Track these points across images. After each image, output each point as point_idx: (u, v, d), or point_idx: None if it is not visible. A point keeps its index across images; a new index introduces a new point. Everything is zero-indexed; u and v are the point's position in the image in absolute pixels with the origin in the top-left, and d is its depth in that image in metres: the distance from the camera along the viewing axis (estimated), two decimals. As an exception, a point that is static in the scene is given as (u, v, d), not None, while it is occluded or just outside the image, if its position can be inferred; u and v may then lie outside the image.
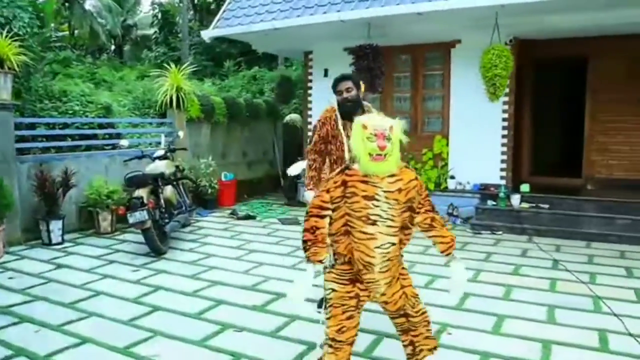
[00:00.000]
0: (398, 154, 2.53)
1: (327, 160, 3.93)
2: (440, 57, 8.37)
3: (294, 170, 5.06)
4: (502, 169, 7.99)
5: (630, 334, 3.71)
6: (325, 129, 3.87)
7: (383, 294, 2.66)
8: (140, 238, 5.94)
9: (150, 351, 3.43)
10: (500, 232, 7.08)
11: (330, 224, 2.58)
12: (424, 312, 2.83)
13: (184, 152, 7.69)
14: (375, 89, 7.70)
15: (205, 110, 8.78)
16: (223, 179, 8.87)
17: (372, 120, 2.55)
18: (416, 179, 2.66)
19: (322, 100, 8.88)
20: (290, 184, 9.67)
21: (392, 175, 2.55)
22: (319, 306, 4.11)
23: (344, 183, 2.54)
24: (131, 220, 5.38)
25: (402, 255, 2.74)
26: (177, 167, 6.88)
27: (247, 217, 7.93)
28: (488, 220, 7.47)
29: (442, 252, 2.84)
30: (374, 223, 2.50)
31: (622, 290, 4.71)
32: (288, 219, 7.83)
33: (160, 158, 6.46)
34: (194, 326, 3.85)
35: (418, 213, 2.70)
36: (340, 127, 3.81)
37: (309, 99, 9.18)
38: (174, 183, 6.55)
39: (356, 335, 2.69)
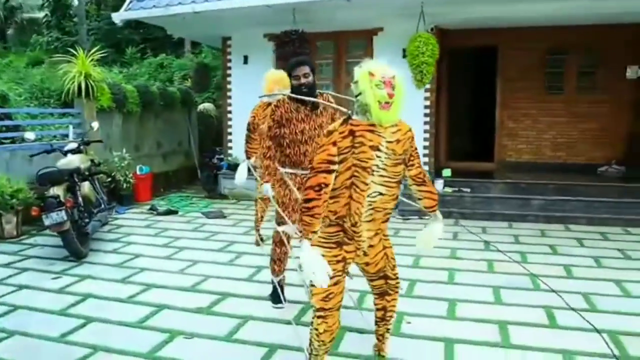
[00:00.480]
0: (401, 104, 2.47)
1: (279, 144, 3.82)
2: (362, 45, 8.36)
3: (240, 176, 4.87)
4: (424, 155, 8.17)
5: (572, 309, 3.90)
6: (280, 112, 3.75)
7: (366, 254, 2.67)
8: (54, 241, 5.37)
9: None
10: (427, 217, 7.22)
11: (335, 177, 2.47)
12: (398, 277, 2.87)
13: (97, 144, 7.04)
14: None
15: (117, 99, 8.11)
16: (138, 172, 8.27)
17: (378, 67, 2.45)
18: (410, 130, 2.63)
19: (242, 88, 8.58)
20: (208, 175, 9.27)
21: (394, 125, 2.51)
22: (274, 302, 4.02)
23: (352, 133, 2.44)
24: (47, 222, 4.80)
25: (388, 218, 2.70)
26: (91, 161, 6.27)
27: (169, 213, 7.46)
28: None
29: (428, 207, 2.86)
30: (371, 173, 2.47)
31: (552, 267, 4.97)
32: (213, 212, 7.47)
33: (73, 152, 5.84)
34: (138, 337, 3.49)
35: (411, 166, 2.69)
36: (294, 111, 3.72)
37: (228, 86, 8.80)
38: (90, 179, 5.96)
39: (342, 299, 2.67)
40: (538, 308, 3.94)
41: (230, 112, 8.82)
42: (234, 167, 8.68)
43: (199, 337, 3.47)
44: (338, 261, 2.59)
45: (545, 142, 9.12)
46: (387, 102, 2.40)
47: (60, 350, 3.29)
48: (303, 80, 3.68)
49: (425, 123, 8.15)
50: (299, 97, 3.67)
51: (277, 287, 4.01)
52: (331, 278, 2.49)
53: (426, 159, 8.17)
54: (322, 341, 2.66)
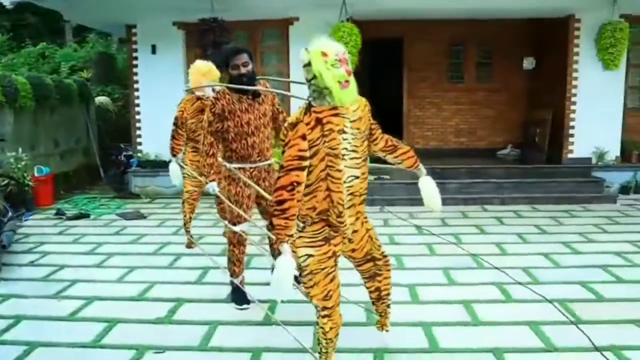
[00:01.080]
0: (354, 79, 2.37)
1: (223, 139, 3.65)
2: (278, 34, 8.23)
3: (176, 176, 4.77)
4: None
5: (520, 283, 4.19)
6: (221, 104, 3.54)
7: (351, 241, 2.61)
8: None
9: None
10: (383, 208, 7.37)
11: (309, 172, 2.34)
12: (385, 255, 2.83)
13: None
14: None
15: (8, 92, 7.18)
16: (37, 174, 7.44)
17: (329, 45, 2.32)
18: (367, 103, 2.55)
19: (150, 80, 8.07)
20: (115, 173, 8.63)
21: (353, 104, 2.40)
22: (239, 303, 3.81)
23: (319, 121, 2.30)
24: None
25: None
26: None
27: (79, 217, 6.81)
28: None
29: (410, 167, 2.82)
30: (342, 157, 2.36)
31: (486, 245, 5.30)
32: (129, 213, 6.95)
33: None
34: (101, 359, 3.14)
35: (375, 139, 2.64)
36: (237, 102, 3.54)
37: (135, 78, 8.19)
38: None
39: (340, 294, 2.61)
40: (490, 285, 4.18)
41: (138, 105, 8.24)
42: (144, 164, 8.19)
43: (171, 350, 3.21)
44: (329, 257, 2.51)
45: (450, 129, 9.70)
46: (346, 81, 2.30)
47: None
48: (243, 70, 3.49)
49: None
50: (241, 87, 3.49)
51: (240, 287, 3.85)
52: (326, 276, 2.48)
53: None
54: (330, 339, 2.60)
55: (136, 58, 8.12)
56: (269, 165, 3.80)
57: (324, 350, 2.63)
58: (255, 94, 3.60)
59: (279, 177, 2.32)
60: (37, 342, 3.30)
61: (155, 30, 7.99)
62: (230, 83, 3.59)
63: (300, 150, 2.29)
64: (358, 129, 2.42)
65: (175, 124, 4.94)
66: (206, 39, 6.96)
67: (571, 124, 8.02)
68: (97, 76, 9.65)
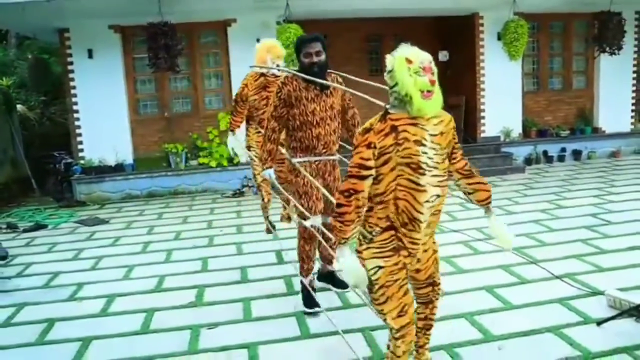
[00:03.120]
0: (439, 92, 2.26)
1: (289, 127, 3.54)
2: (216, 35, 8.50)
3: (239, 148, 4.83)
4: (284, 138, 8.77)
5: (534, 262, 5.04)
6: (287, 90, 3.41)
7: (418, 260, 2.43)
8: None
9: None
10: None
11: (378, 181, 2.24)
12: (439, 282, 2.63)
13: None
14: (174, 68, 7.41)
15: None
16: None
17: (414, 52, 2.23)
18: (452, 120, 2.42)
19: (88, 85, 8.00)
20: (55, 182, 8.42)
21: (436, 117, 2.29)
22: (308, 305, 3.62)
23: (394, 129, 2.20)
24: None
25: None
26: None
27: (37, 228, 6.67)
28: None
29: (481, 201, 2.59)
30: (424, 172, 2.23)
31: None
32: (88, 219, 6.93)
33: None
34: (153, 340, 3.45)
35: (454, 159, 2.47)
36: (304, 89, 3.41)
37: (72, 83, 8.03)
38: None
39: (414, 308, 2.43)
40: (497, 269, 4.34)
41: (77, 111, 8.10)
42: (88, 170, 8.13)
43: (223, 325, 3.59)
44: (400, 269, 2.34)
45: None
46: (429, 90, 2.19)
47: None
48: (315, 59, 3.35)
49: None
50: (309, 78, 3.33)
51: (309, 288, 3.62)
52: (400, 289, 2.34)
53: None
54: None
55: (72, 63, 7.98)
56: (334, 160, 3.65)
57: None
58: (323, 85, 3.41)
59: (343, 181, 2.30)
60: (91, 337, 3.49)
61: (91, 34, 7.91)
62: (301, 71, 3.43)
63: (362, 159, 2.21)
64: (439, 144, 2.28)
65: (235, 100, 4.82)
66: (157, 42, 7.09)
67: (482, 107, 9.23)
68: (33, 82, 9.20)
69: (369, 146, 2.20)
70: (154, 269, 4.82)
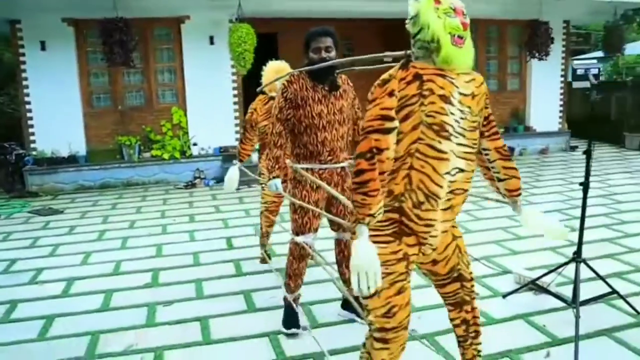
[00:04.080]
0: (472, 47, 1.96)
1: (293, 130, 3.25)
2: (170, 32, 8.73)
3: (231, 183, 4.19)
4: (236, 132, 9.12)
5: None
6: (293, 88, 3.13)
7: (433, 248, 2.03)
8: None
9: None
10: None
11: (397, 141, 1.88)
12: (473, 278, 2.22)
13: None
14: (129, 63, 7.61)
15: None
16: None
17: None
18: (484, 82, 2.05)
19: (40, 77, 8.09)
20: (7, 172, 8.44)
21: (467, 74, 1.95)
22: (287, 326, 3.34)
23: (418, 77, 1.86)
24: None
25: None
26: None
27: (-12, 217, 6.79)
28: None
29: (512, 191, 2.21)
30: (448, 137, 1.88)
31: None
32: (42, 209, 7.09)
33: None
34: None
35: (492, 135, 2.12)
36: (310, 89, 3.13)
37: (24, 75, 8.07)
38: None
39: (410, 315, 2.02)
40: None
41: (29, 102, 8.16)
42: (41, 161, 8.24)
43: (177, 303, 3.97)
44: (399, 260, 1.95)
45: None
46: (460, 36, 1.87)
47: None
48: (324, 55, 3.09)
49: (235, 104, 9.08)
50: (316, 67, 3.05)
51: (293, 305, 3.34)
52: (392, 284, 1.94)
53: (238, 135, 9.12)
54: None
55: (24, 55, 8.03)
56: (342, 168, 3.28)
57: None
58: (333, 86, 3.18)
59: (358, 141, 1.91)
60: (54, 314, 3.78)
61: (43, 27, 7.98)
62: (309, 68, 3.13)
63: (384, 109, 1.84)
64: (469, 107, 1.93)
65: (244, 127, 4.48)
66: (112, 37, 7.27)
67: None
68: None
69: (391, 94, 1.85)
70: (110, 255, 5.11)
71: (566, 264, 3.65)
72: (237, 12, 7.84)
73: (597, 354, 3.06)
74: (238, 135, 9.06)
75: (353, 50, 11.00)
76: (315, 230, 3.27)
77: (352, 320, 3.50)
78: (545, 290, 3.77)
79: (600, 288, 3.60)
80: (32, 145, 8.31)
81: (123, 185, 8.51)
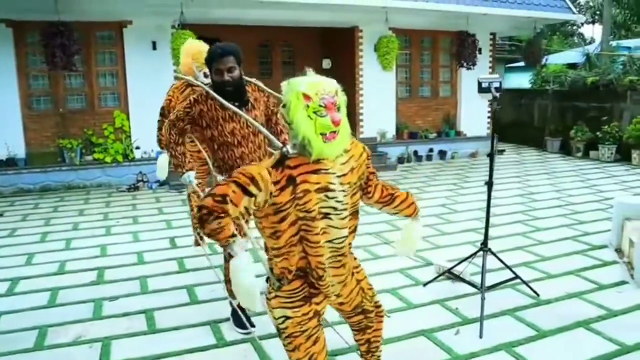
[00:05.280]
0: (347, 122, 1.99)
1: (209, 146, 3.37)
2: (112, 36, 8.78)
3: (162, 170, 3.99)
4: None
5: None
6: (199, 108, 3.13)
7: (338, 295, 2.23)
8: None
9: None
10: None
11: (277, 237, 1.98)
12: (379, 305, 2.47)
13: None
14: (71, 67, 7.64)
15: None
16: None
17: (314, 85, 1.90)
18: (365, 150, 2.19)
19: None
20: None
21: (343, 153, 2.02)
22: (240, 326, 3.49)
23: (291, 180, 1.90)
24: None
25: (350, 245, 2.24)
26: None
27: None
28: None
29: (409, 216, 2.47)
30: (325, 216, 1.99)
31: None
32: (-22, 213, 7.03)
33: None
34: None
35: (369, 191, 2.29)
36: (219, 108, 3.11)
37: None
38: None
39: (327, 354, 2.24)
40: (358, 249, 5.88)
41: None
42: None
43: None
44: (310, 318, 2.14)
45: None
46: (332, 132, 1.90)
47: None
48: (227, 77, 3.03)
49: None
50: (228, 96, 3.03)
51: (237, 310, 3.23)
52: (308, 339, 2.13)
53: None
54: None
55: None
56: None
57: None
58: (243, 102, 3.18)
59: (217, 185, 1.93)
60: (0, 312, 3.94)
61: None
62: (213, 88, 3.11)
63: (260, 175, 1.87)
64: (349, 183, 2.03)
65: (161, 114, 4.29)
66: (54, 41, 7.27)
67: (360, 111, 10.36)
68: None
69: (275, 183, 1.89)
70: (54, 256, 5.22)
71: (475, 253, 4.15)
72: (180, 18, 8.03)
73: (499, 329, 3.55)
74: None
75: (296, 58, 11.37)
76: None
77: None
78: (460, 279, 4.26)
79: (509, 275, 4.11)
80: (-29, 148, 8.16)
81: (64, 189, 8.48)
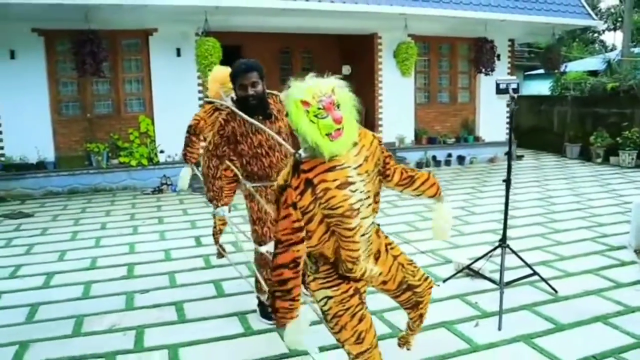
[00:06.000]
0: (352, 115, 2.04)
1: (238, 161, 3.54)
2: (138, 43, 9.07)
3: (183, 182, 4.30)
4: (202, 140, 9.47)
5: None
6: (231, 126, 3.30)
7: (380, 273, 2.31)
8: None
9: None
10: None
11: (309, 236, 2.06)
12: (427, 277, 2.51)
13: None
14: (99, 74, 7.92)
15: None
16: None
17: (310, 90, 1.95)
18: (375, 137, 2.24)
19: (9, 85, 8.31)
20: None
21: (354, 145, 2.09)
22: (269, 318, 3.63)
23: (309, 183, 1.99)
24: None
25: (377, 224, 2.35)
26: None
27: (-41, 221, 6.95)
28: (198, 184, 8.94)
29: (432, 197, 2.52)
30: (358, 212, 2.07)
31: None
32: (12, 213, 7.28)
33: None
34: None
35: (388, 174, 2.32)
36: (253, 122, 3.18)
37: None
38: None
39: (376, 334, 2.29)
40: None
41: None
42: (9, 167, 8.42)
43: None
44: (351, 295, 2.20)
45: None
46: (337, 130, 1.96)
47: None
48: (251, 91, 3.17)
49: (201, 113, 9.46)
50: (251, 109, 3.19)
51: (265, 303, 3.55)
52: (353, 316, 2.19)
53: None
54: None
55: (-11, 64, 8.23)
56: None
57: None
58: (266, 115, 3.32)
59: (277, 253, 2.02)
60: (39, 302, 4.12)
61: (13, 36, 8.20)
62: (237, 102, 3.31)
63: (293, 222, 1.99)
64: (366, 171, 2.10)
65: (189, 131, 4.35)
66: (84, 49, 7.57)
67: (380, 116, 10.50)
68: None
69: (294, 206, 1.99)
70: (85, 253, 5.44)
71: (494, 249, 4.23)
72: (204, 26, 8.28)
73: (517, 322, 3.64)
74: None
75: (315, 64, 11.57)
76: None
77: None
78: (479, 274, 4.35)
79: (527, 273, 4.20)
80: (0, 152, 8.47)
81: (91, 191, 8.75)
